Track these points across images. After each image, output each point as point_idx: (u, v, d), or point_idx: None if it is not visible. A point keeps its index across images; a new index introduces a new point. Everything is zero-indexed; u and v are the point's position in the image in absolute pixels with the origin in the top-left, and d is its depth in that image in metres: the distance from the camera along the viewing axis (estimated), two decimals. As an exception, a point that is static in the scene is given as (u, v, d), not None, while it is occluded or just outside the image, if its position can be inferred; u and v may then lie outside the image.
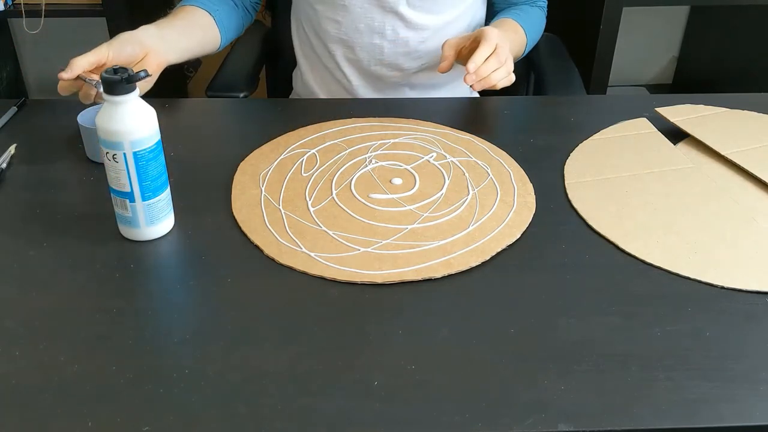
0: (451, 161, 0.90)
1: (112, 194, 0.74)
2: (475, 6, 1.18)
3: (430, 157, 0.91)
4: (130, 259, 0.73)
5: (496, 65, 0.95)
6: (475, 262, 0.73)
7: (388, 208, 0.81)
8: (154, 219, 0.75)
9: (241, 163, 0.89)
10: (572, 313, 0.67)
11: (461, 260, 0.73)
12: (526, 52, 1.19)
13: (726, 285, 0.71)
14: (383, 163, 0.89)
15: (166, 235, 0.76)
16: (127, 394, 0.58)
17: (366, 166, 0.89)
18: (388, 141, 0.94)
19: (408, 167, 0.89)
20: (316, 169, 0.88)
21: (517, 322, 0.66)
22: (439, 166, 0.89)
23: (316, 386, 0.59)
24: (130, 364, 0.61)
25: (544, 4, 1.24)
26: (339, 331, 0.65)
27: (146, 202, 0.74)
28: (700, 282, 0.71)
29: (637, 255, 0.74)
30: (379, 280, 0.70)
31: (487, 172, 0.88)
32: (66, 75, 0.85)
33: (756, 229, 0.79)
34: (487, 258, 0.74)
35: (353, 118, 1.00)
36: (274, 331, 0.65)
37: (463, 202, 0.82)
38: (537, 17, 1.20)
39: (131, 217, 0.74)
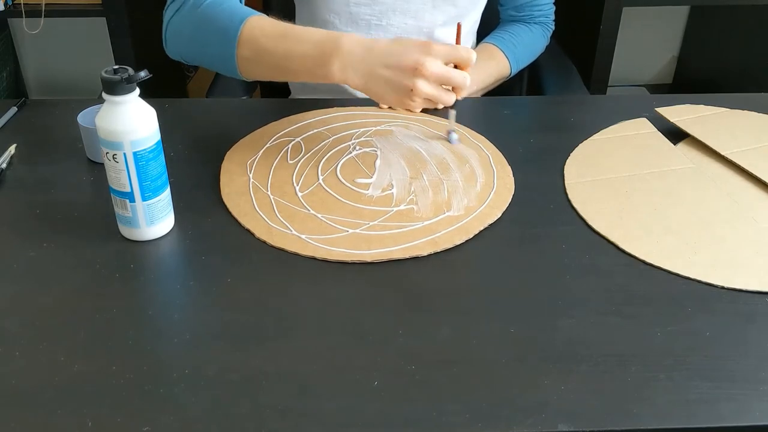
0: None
1: (112, 194, 0.74)
2: (477, 20, 1.22)
3: None
4: (130, 259, 0.73)
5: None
6: (459, 240, 0.76)
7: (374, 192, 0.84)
8: (154, 219, 0.75)
9: (228, 152, 0.90)
10: (572, 313, 0.67)
11: (446, 239, 0.76)
12: (517, 70, 1.22)
13: (726, 285, 0.71)
14: (367, 150, 0.92)
15: (166, 235, 0.76)
16: (127, 394, 0.58)
17: (350, 152, 0.91)
18: (370, 128, 0.97)
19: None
20: (302, 156, 0.90)
21: (517, 321, 0.66)
22: (422, 151, 0.92)
23: (316, 386, 0.59)
24: (130, 364, 0.61)
25: (547, 20, 1.25)
26: (339, 330, 0.65)
27: (146, 202, 0.74)
28: (700, 282, 0.71)
29: (637, 255, 0.74)
30: (368, 259, 0.73)
31: (467, 156, 0.91)
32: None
33: (756, 229, 0.79)
34: (471, 236, 0.77)
35: (335, 108, 1.01)
36: (273, 331, 0.65)
37: (446, 185, 0.85)
38: (530, 36, 1.23)
39: (131, 217, 0.74)
